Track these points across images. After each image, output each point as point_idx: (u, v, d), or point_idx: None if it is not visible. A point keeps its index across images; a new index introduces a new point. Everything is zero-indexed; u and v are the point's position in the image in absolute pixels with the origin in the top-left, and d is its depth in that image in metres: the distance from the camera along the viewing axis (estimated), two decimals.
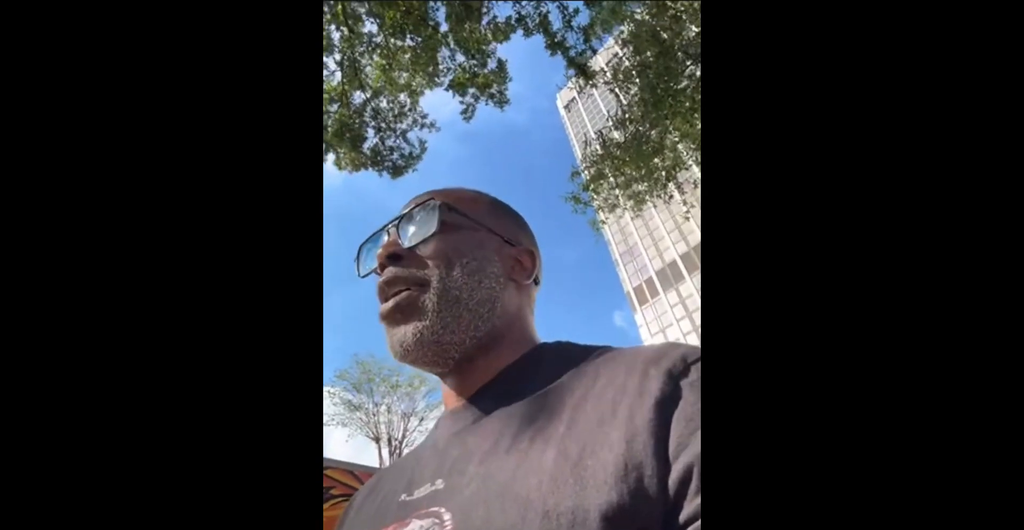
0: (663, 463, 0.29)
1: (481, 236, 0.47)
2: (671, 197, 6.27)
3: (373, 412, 17.09)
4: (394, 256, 0.45)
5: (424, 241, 0.45)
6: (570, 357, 0.42)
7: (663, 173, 6.00)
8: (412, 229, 0.47)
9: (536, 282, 0.51)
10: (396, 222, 0.48)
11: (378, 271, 0.46)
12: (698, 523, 0.27)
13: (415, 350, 0.43)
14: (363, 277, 0.50)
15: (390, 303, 0.44)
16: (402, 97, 5.70)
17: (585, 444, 0.32)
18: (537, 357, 0.45)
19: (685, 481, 0.28)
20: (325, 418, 16.67)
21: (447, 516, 0.34)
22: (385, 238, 0.48)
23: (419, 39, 5.06)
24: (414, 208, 0.48)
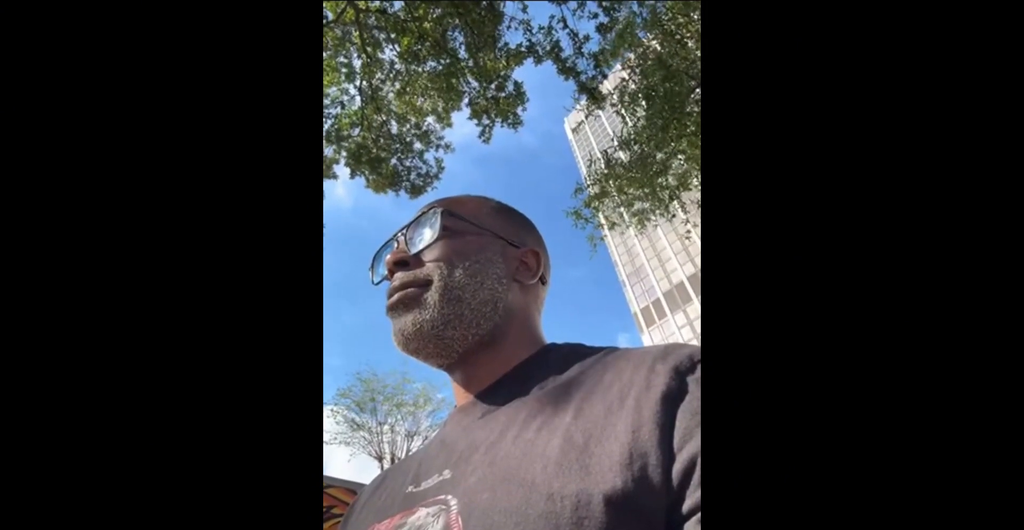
0: (668, 453, 0.30)
1: (484, 239, 0.50)
2: (674, 216, 6.33)
3: (376, 431, 16.85)
4: (401, 262, 0.48)
5: (428, 246, 0.48)
6: (577, 356, 0.44)
7: (667, 192, 6.08)
8: (417, 236, 0.50)
9: (543, 282, 0.53)
10: (404, 230, 0.52)
11: (388, 277, 0.49)
12: (700, 514, 0.28)
13: (415, 340, 0.45)
14: (376, 284, 0.53)
15: (395, 297, 0.47)
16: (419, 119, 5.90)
17: (591, 433, 0.33)
18: (545, 356, 0.47)
19: (689, 471, 0.29)
20: (327, 437, 16.37)
21: (453, 502, 0.35)
22: (395, 246, 0.52)
23: (436, 65, 5.26)
24: (420, 216, 0.51)
